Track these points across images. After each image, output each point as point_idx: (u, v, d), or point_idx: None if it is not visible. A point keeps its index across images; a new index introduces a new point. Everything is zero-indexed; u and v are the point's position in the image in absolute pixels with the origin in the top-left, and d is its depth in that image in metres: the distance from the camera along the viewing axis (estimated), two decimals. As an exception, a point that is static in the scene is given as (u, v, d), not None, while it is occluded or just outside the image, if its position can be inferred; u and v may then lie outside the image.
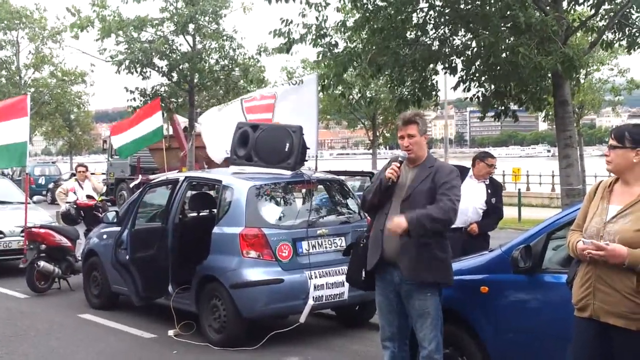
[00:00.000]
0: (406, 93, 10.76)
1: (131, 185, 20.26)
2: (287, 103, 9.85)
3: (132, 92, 23.73)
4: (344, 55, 10.16)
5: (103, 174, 30.43)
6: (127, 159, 26.56)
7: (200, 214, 9.59)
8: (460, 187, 5.11)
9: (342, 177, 9.62)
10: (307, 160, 8.61)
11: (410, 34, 10.50)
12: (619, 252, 3.59)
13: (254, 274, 7.32)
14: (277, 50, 10.39)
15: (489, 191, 7.90)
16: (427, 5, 10.23)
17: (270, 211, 7.79)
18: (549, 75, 9.81)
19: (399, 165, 5.00)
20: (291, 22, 10.12)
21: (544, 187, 35.79)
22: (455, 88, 11.36)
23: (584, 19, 11.02)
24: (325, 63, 11.02)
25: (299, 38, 10.19)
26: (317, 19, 10.26)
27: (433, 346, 4.94)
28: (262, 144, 8.33)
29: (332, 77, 10.75)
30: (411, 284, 4.93)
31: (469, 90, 11.02)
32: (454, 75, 10.84)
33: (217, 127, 10.59)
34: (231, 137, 8.65)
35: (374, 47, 10.15)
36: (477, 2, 9.76)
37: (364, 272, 5.20)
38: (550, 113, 15.10)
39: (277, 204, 8.06)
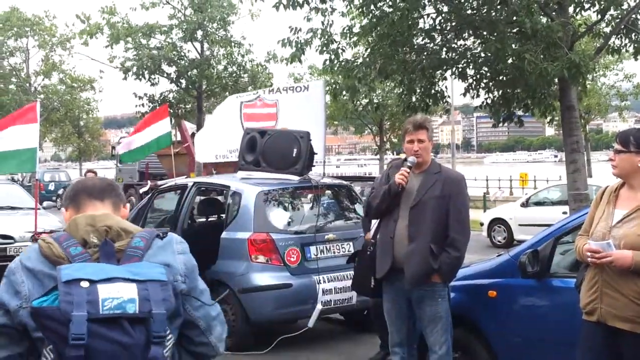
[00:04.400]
0: (414, 100, 10.76)
1: (141, 191, 20.30)
2: (293, 109, 9.86)
3: (140, 98, 23.94)
4: (359, 67, 10.15)
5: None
6: (136, 164, 26.63)
7: (209, 219, 9.65)
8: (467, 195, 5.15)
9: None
10: (314, 166, 8.65)
11: (417, 40, 10.52)
12: (625, 256, 3.61)
13: (262, 278, 7.36)
14: (290, 59, 10.38)
15: None
16: (433, 11, 10.26)
17: (278, 216, 7.82)
18: (556, 80, 9.82)
19: (408, 170, 4.96)
20: (300, 29, 10.15)
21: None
22: (465, 94, 11.39)
23: (590, 25, 11.03)
24: (333, 70, 11.01)
25: (303, 42, 10.21)
26: (322, 23, 10.28)
27: (444, 350, 4.94)
28: (270, 150, 8.38)
29: (346, 89, 10.79)
30: (424, 290, 4.95)
31: (478, 96, 11.03)
32: (464, 82, 10.85)
33: (209, 127, 10.56)
34: (222, 140, 8.55)
35: (380, 55, 10.16)
36: (483, 8, 9.79)
37: (372, 280, 5.17)
38: (557, 118, 15.17)
39: (285, 209, 8.09)
